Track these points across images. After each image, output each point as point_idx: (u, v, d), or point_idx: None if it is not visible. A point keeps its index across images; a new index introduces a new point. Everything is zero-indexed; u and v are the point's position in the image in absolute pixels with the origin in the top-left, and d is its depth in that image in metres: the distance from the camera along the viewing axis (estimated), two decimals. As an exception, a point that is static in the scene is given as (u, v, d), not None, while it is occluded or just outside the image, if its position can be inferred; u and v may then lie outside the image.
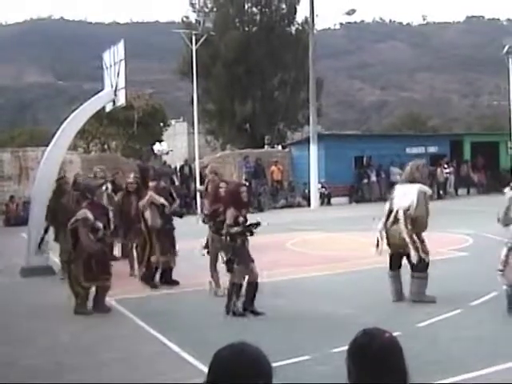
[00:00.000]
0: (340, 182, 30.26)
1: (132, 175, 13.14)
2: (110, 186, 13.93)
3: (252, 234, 8.81)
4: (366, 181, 30.47)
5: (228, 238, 8.72)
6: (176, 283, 11.15)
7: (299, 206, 28.62)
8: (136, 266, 11.99)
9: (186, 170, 29.64)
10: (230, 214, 8.74)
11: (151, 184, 11.45)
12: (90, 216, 9.31)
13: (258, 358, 2.26)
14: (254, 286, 8.70)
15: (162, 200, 11.13)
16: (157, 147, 13.04)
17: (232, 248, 8.67)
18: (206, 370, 2.34)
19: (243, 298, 8.75)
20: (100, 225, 9.39)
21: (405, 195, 9.18)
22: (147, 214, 11.01)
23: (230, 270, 8.73)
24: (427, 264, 9.13)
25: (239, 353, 2.27)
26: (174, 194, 11.98)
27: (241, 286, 8.72)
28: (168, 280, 11.20)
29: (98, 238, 9.31)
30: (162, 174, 12.55)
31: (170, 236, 11.30)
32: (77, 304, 9.32)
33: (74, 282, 9.31)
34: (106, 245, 9.79)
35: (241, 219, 8.72)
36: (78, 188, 12.13)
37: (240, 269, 8.63)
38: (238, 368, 2.20)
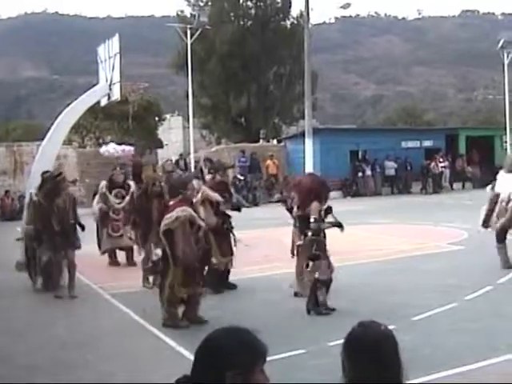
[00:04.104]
0: (335, 176, 30.20)
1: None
2: (104, 183, 13.28)
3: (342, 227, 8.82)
4: (360, 175, 30.48)
5: (311, 233, 8.53)
6: (234, 287, 10.12)
7: (295, 200, 28.58)
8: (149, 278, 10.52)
9: (181, 164, 29.59)
10: (315, 207, 8.58)
11: (207, 178, 10.56)
12: (194, 214, 8.17)
13: (251, 338, 2.27)
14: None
15: (217, 196, 9.84)
16: (103, 149, 12.68)
17: (317, 242, 8.51)
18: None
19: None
20: (202, 222, 8.33)
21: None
22: (201, 213, 9.43)
23: (315, 266, 8.48)
24: None
25: (233, 332, 2.28)
26: (232, 189, 10.82)
27: (331, 280, 8.52)
28: (224, 283, 10.07)
29: (200, 237, 8.23)
30: (218, 167, 11.13)
31: (227, 236, 10.10)
32: (170, 315, 8.13)
33: (169, 291, 8.07)
34: (208, 243, 8.61)
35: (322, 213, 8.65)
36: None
37: (326, 263, 8.51)
38: (230, 345, 2.21)
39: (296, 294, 9.47)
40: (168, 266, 8.06)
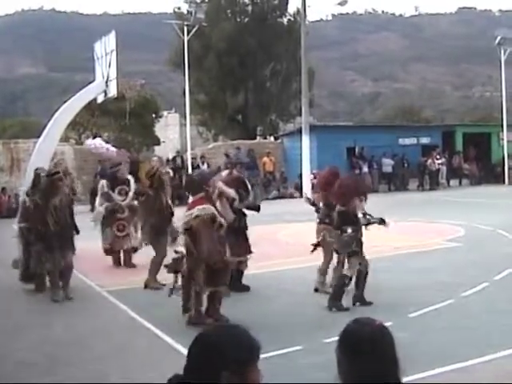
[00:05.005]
0: (332, 173, 30.22)
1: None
2: (104, 182, 12.90)
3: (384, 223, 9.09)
4: (357, 172, 30.46)
5: (351, 230, 8.63)
6: (246, 289, 9.83)
7: (291, 197, 28.61)
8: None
9: (178, 161, 29.57)
10: (359, 205, 8.82)
11: (223, 173, 10.24)
12: (216, 212, 7.97)
13: (244, 335, 2.28)
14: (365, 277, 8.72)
15: (232, 192, 9.41)
16: (89, 142, 12.52)
17: (356, 239, 8.65)
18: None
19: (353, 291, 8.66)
20: (223, 220, 8.08)
21: None
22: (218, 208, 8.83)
23: (352, 262, 8.62)
24: None
25: (226, 329, 2.29)
26: (249, 186, 10.38)
27: (351, 278, 8.62)
28: (237, 286, 9.54)
29: (222, 235, 8.05)
30: (236, 162, 10.81)
31: (241, 235, 9.80)
32: (196, 314, 7.94)
33: (195, 291, 7.90)
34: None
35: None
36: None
37: (356, 260, 8.62)
38: (223, 342, 2.22)
39: (317, 290, 9.52)
40: (196, 264, 7.84)
